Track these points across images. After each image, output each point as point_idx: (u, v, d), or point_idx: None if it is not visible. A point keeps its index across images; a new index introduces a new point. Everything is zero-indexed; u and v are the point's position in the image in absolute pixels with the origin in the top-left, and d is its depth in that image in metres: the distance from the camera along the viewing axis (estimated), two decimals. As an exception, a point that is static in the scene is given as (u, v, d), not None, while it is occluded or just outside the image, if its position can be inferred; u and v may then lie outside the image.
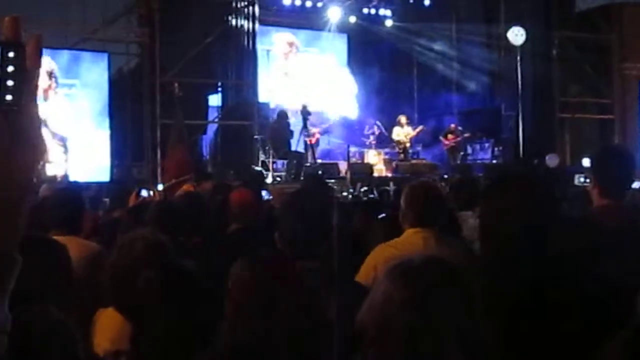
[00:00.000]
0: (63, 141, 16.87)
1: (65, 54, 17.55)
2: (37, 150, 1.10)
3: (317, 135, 18.71)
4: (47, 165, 16.41)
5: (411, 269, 1.67)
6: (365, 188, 12.37)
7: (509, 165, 18.75)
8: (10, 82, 1.15)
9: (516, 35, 19.73)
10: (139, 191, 7.84)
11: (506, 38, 19.78)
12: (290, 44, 21.99)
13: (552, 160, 18.25)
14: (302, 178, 16.68)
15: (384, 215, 5.05)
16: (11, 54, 1.16)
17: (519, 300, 2.10)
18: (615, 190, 3.36)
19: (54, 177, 15.81)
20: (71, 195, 4.78)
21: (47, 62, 16.82)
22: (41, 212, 4.32)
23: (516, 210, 2.54)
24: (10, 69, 1.15)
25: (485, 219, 2.73)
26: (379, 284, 1.68)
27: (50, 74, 16.85)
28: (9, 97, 1.14)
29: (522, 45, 19.53)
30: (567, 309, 2.04)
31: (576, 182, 7.84)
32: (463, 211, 5.71)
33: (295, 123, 17.69)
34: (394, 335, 1.63)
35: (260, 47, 18.99)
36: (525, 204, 2.56)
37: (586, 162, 8.50)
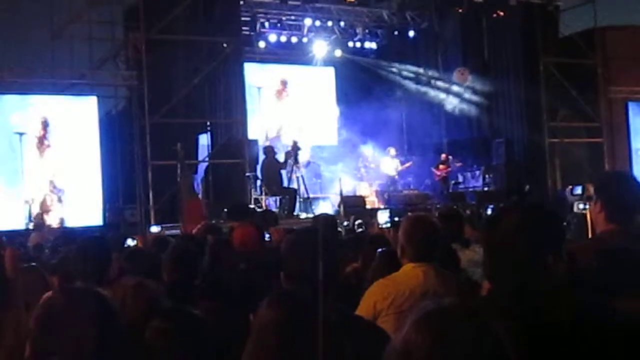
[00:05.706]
0: (59, 192, 16.85)
1: (54, 99, 17.55)
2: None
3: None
4: (45, 216, 16.39)
5: (429, 315, 1.64)
6: (360, 221, 12.28)
7: (502, 193, 18.74)
8: None
9: (461, 75, 20.23)
10: (124, 241, 7.83)
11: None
12: (280, 81, 22.10)
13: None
14: (295, 214, 16.68)
15: (383, 250, 5.02)
16: None
17: (542, 335, 2.07)
18: (624, 215, 3.32)
19: (48, 225, 15.76)
20: (98, 246, 4.68)
21: (40, 111, 16.83)
22: (66, 263, 4.24)
23: (526, 240, 2.48)
24: None
25: (493, 252, 2.63)
26: (402, 328, 1.65)
27: (44, 123, 16.84)
28: None
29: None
30: (593, 345, 2.01)
31: (575, 209, 7.73)
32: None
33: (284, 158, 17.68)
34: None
35: (249, 85, 19.02)
36: (534, 233, 2.50)
37: (578, 190, 8.41)
